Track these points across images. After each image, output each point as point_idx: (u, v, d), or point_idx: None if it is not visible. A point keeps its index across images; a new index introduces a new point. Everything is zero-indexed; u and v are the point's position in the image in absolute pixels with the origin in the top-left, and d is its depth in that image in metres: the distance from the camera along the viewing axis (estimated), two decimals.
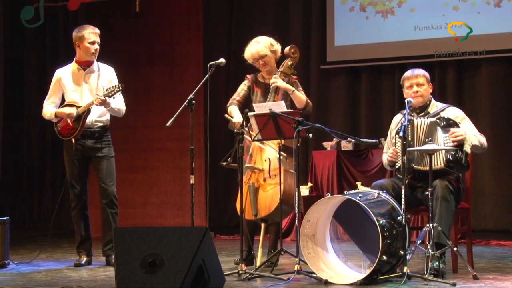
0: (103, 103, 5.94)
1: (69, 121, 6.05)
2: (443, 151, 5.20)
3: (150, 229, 4.44)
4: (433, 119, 5.30)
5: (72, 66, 6.20)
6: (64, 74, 6.20)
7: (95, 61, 6.20)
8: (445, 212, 5.10)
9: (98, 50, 6.15)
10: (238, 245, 5.58)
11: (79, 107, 6.04)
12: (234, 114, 5.86)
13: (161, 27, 9.10)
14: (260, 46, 5.93)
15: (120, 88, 5.98)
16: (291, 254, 5.38)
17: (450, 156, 5.19)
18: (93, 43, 6.11)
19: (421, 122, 5.31)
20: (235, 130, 5.58)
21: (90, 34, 6.12)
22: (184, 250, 4.25)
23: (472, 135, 5.31)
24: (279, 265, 5.79)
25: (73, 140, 6.05)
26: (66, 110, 6.06)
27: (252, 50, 5.94)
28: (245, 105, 5.95)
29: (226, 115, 5.88)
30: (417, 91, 5.43)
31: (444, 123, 5.26)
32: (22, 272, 5.79)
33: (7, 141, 9.45)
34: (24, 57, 9.81)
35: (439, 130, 5.25)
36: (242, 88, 6.06)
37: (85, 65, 6.16)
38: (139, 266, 4.28)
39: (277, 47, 6.00)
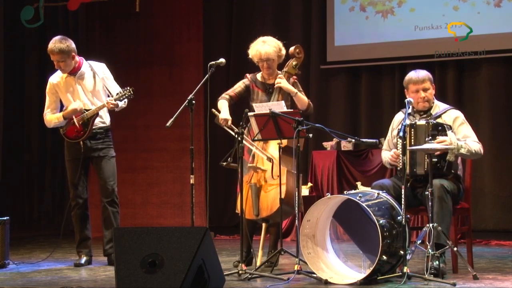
0: (115, 106, 5.96)
1: (77, 124, 6.03)
2: (427, 158, 5.17)
3: (150, 229, 4.44)
4: (423, 123, 5.29)
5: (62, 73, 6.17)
6: (57, 81, 6.17)
7: (84, 62, 6.16)
8: (442, 212, 5.09)
9: (66, 65, 6.02)
10: (238, 245, 5.58)
11: (87, 110, 6.03)
12: (222, 109, 5.84)
13: (161, 27, 9.10)
14: (268, 49, 5.86)
15: (132, 92, 5.97)
16: (291, 254, 5.38)
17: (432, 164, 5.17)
18: (54, 60, 6.05)
19: (417, 124, 5.31)
20: (224, 126, 5.60)
21: (50, 54, 6.04)
22: (184, 250, 4.25)
23: (462, 143, 5.28)
24: (279, 265, 5.79)
25: (81, 142, 6.05)
26: (73, 105, 6.04)
27: (261, 50, 5.86)
28: (240, 102, 5.95)
29: (213, 110, 5.84)
30: (423, 97, 5.43)
31: (431, 128, 5.22)
32: (22, 272, 5.79)
33: (7, 141, 9.45)
34: (24, 57, 9.81)
35: (425, 135, 5.21)
36: (239, 85, 6.02)
37: (73, 72, 6.11)
38: (139, 266, 4.28)
39: (283, 52, 5.97)
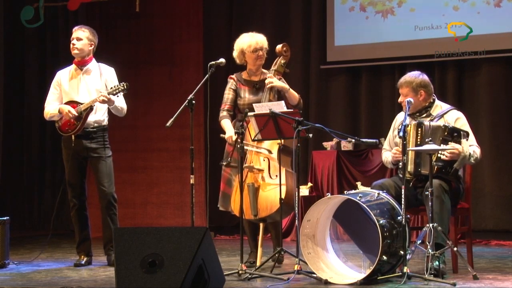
0: (107, 101, 5.93)
1: (71, 116, 6.03)
2: (434, 160, 5.16)
3: (150, 229, 4.44)
4: (440, 124, 5.28)
5: (72, 67, 6.20)
6: (63, 75, 6.20)
7: (94, 61, 6.18)
8: (440, 211, 5.09)
9: (81, 45, 6.07)
10: (238, 245, 5.58)
11: (81, 104, 6.02)
12: (226, 129, 5.85)
13: (161, 27, 9.10)
14: (261, 38, 5.89)
15: (125, 87, 5.94)
16: (291, 254, 5.38)
17: (438, 167, 5.18)
18: (72, 38, 6.11)
19: (432, 125, 5.28)
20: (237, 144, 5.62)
21: (73, 31, 6.13)
22: (184, 250, 4.25)
23: (471, 152, 5.27)
24: (279, 265, 5.79)
25: (73, 137, 6.04)
26: (68, 107, 6.04)
27: (252, 40, 5.87)
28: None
29: (221, 135, 5.85)
30: (400, 102, 5.50)
31: (447, 133, 5.21)
32: (22, 272, 5.79)
33: (7, 141, 9.45)
34: (24, 57, 9.81)
35: (440, 138, 5.21)
36: (228, 93, 5.99)
37: (81, 65, 6.13)
38: (139, 266, 4.28)
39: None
